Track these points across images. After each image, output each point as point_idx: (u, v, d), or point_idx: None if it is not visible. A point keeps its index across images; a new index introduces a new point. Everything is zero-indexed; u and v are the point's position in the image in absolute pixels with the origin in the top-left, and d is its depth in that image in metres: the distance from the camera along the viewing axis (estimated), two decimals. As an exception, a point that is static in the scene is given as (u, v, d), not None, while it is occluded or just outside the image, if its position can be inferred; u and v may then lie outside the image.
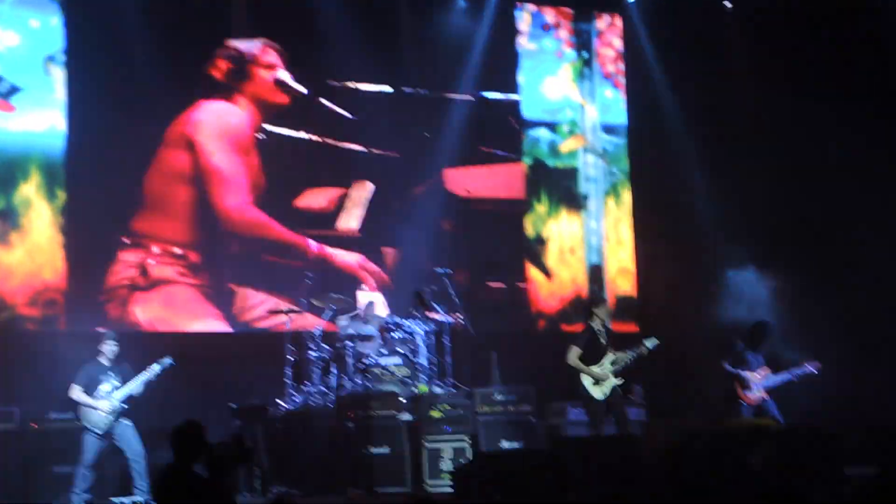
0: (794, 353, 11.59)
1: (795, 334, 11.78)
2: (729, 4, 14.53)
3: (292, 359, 11.25)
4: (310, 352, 11.27)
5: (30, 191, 11.57)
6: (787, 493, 4.08)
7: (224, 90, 12.68)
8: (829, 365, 11.34)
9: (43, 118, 11.71)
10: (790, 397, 11.21)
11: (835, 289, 12.91)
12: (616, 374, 10.22)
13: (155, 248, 12.09)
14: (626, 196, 14.56)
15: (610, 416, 10.26)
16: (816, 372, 11.16)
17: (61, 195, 11.73)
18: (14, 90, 11.64)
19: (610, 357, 10.25)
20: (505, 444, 10.74)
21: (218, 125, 12.65)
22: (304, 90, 13.00)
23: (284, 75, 12.93)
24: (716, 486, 8.21)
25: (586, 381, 10.21)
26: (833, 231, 13.05)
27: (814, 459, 9.01)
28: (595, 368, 10.20)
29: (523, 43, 14.42)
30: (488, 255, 13.58)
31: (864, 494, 4.53)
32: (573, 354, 10.24)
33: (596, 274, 14.19)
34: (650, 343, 10.31)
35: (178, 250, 12.21)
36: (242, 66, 12.77)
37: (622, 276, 14.32)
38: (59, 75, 11.83)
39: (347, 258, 12.99)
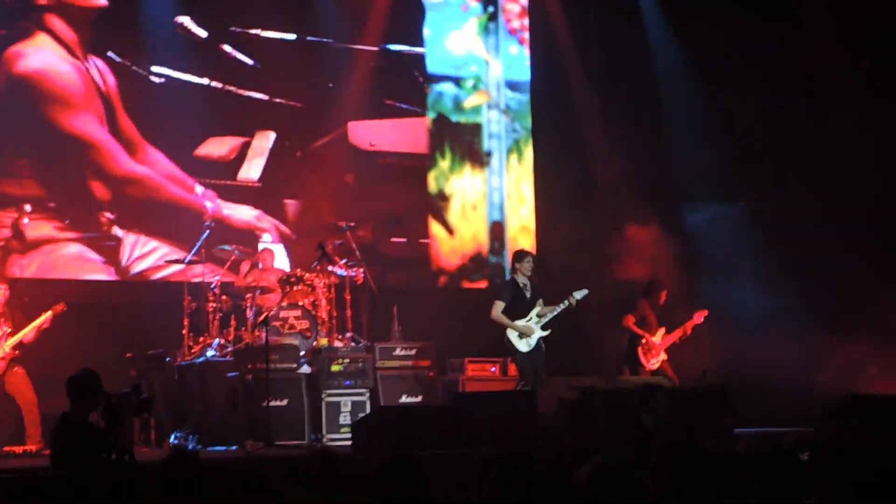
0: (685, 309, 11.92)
1: (691, 294, 12.05)
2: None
3: (190, 309, 11.10)
4: (209, 303, 11.13)
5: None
6: (679, 444, 4.19)
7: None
8: (733, 326, 11.68)
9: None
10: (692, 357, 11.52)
11: (738, 247, 13.15)
12: (543, 327, 10.40)
13: (27, 207, 11.74)
14: (529, 154, 14.64)
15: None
16: (703, 320, 11.48)
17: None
18: None
19: (536, 310, 10.42)
20: (404, 399, 10.82)
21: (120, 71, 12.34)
22: (204, 34, 12.72)
23: (184, 19, 12.64)
24: (611, 442, 8.38)
25: (512, 334, 10.38)
26: (738, 190, 13.28)
27: (705, 417, 9.28)
28: (520, 322, 10.35)
29: (428, -4, 14.33)
30: (391, 209, 13.55)
31: (754, 450, 4.67)
32: (496, 309, 10.40)
33: (497, 231, 14.29)
34: (579, 294, 10.52)
35: (53, 205, 11.87)
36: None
37: (523, 233, 14.43)
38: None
39: (245, 211, 12.83)
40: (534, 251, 14.17)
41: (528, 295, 10.51)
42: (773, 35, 13.05)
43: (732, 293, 12.44)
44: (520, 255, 10.85)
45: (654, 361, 11.53)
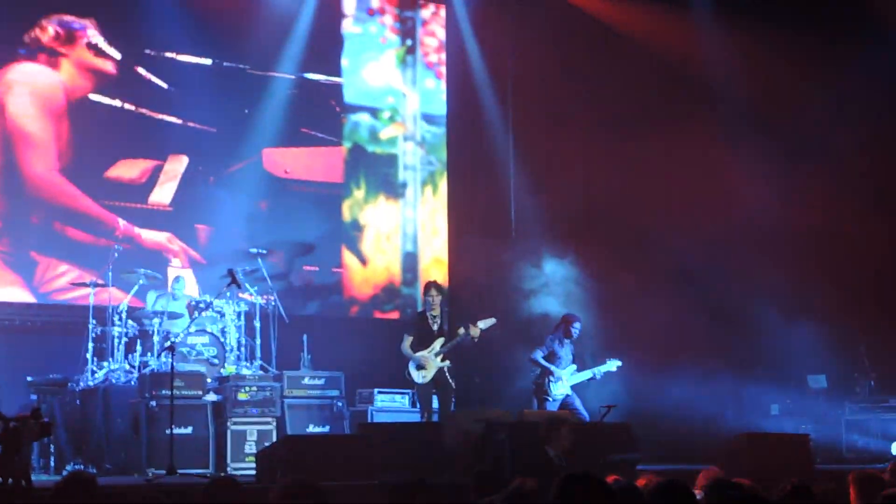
0: (598, 350, 12.04)
1: (602, 331, 12.20)
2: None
3: (95, 333, 10.91)
4: (114, 327, 10.95)
5: None
6: (581, 476, 4.24)
7: (46, 54, 12.17)
8: (635, 364, 11.83)
9: None
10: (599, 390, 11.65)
11: (646, 287, 13.35)
12: (442, 358, 10.46)
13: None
14: (443, 186, 14.75)
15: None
16: (616, 370, 11.59)
17: None
18: None
19: (440, 341, 10.50)
20: (311, 429, 10.77)
21: (30, 87, 12.12)
22: (118, 55, 12.59)
23: (98, 39, 12.50)
24: (514, 473, 8.42)
25: (410, 365, 10.52)
26: (650, 227, 13.50)
27: (608, 452, 9.39)
28: (420, 352, 10.44)
29: (348, 26, 14.39)
30: (304, 237, 13.51)
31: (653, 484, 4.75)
32: (404, 343, 10.62)
33: (410, 262, 14.33)
34: (483, 324, 10.61)
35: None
36: (68, 33, 12.27)
37: (436, 265, 14.50)
38: None
39: (155, 235, 12.68)
40: (446, 283, 14.28)
41: (434, 327, 10.61)
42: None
43: (645, 331, 12.65)
44: (426, 286, 10.96)
45: (560, 394, 11.60)
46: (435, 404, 10.73)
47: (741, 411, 12.40)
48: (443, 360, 10.55)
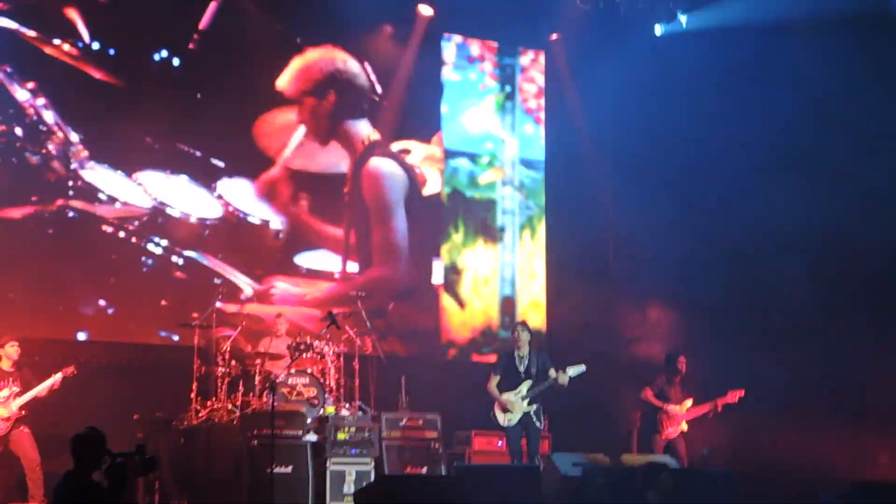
0: (709, 384, 11.86)
1: (711, 367, 12.01)
2: (659, 32, 14.66)
3: (199, 373, 11.15)
4: (217, 367, 11.18)
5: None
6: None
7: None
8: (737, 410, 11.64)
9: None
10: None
11: (754, 328, 13.14)
12: (530, 401, 10.36)
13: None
14: (541, 231, 14.76)
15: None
16: (737, 401, 11.42)
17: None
18: None
19: (527, 384, 10.41)
20: (409, 470, 10.79)
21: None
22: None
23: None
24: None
25: (496, 407, 10.39)
26: (750, 263, 13.30)
27: (709, 497, 9.23)
28: (507, 395, 10.36)
29: (448, 73, 14.58)
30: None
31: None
32: (490, 382, 10.48)
33: (508, 306, 14.35)
34: (573, 371, 10.47)
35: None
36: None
37: (533, 309, 14.49)
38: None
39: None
40: (544, 327, 14.27)
41: (521, 368, 10.50)
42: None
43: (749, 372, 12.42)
44: (515, 325, 10.92)
45: (672, 430, 11.48)
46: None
47: (848, 459, 12.05)
48: (529, 405, 10.44)
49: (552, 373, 10.44)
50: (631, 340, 12.92)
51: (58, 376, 10.20)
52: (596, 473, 9.80)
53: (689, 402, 11.56)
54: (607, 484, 9.55)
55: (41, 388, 10.12)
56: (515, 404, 10.37)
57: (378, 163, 13.86)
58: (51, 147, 12.01)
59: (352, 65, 13.81)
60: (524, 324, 10.98)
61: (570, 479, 10.05)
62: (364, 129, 13.82)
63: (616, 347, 13.11)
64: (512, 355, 10.62)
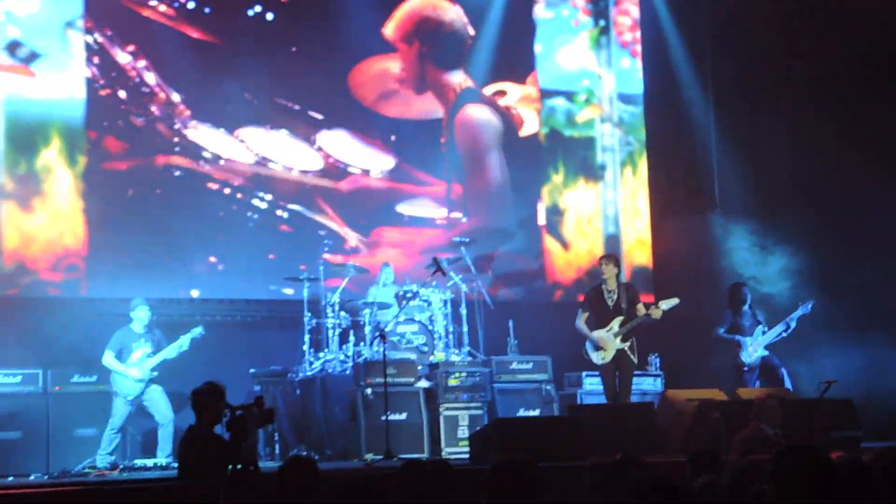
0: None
1: (820, 307, 11.73)
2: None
3: (310, 325, 11.31)
4: (328, 319, 11.33)
5: (50, 156, 11.63)
6: (799, 449, 4.09)
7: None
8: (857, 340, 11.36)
9: (62, 84, 11.75)
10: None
11: (849, 264, 12.85)
12: (623, 338, 10.22)
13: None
14: (643, 166, 14.55)
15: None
16: (809, 311, 11.20)
17: (82, 160, 11.79)
18: (34, 56, 11.68)
19: (618, 320, 10.25)
20: (522, 413, 10.82)
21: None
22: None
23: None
24: (730, 452, 8.27)
25: (588, 345, 10.28)
26: (851, 203, 12.96)
27: (828, 429, 9.08)
28: (598, 332, 10.22)
29: (540, 11, 14.38)
30: (505, 224, 13.60)
31: (883, 460, 4.55)
32: (578, 319, 10.33)
33: (612, 244, 14.21)
34: (666, 304, 10.30)
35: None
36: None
37: (638, 246, 14.34)
38: (78, 41, 11.86)
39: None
40: (650, 264, 14.11)
41: (610, 303, 10.29)
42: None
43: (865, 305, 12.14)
44: (601, 258, 10.68)
45: (750, 354, 11.29)
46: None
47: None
48: (623, 341, 10.24)
49: (641, 308, 10.27)
50: (740, 276, 12.64)
51: (186, 337, 10.43)
52: (711, 408, 9.70)
53: (760, 329, 11.35)
54: (722, 417, 9.45)
55: (172, 349, 10.38)
56: (608, 341, 10.20)
57: (471, 110, 13.79)
58: (154, 108, 12.21)
59: (447, 10, 13.70)
60: (610, 256, 10.75)
61: (685, 414, 9.97)
62: (456, 77, 13.73)
63: (725, 282, 12.86)
64: (599, 290, 10.39)
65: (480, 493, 4.18)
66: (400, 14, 13.41)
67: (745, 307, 11.45)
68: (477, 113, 13.85)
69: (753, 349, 11.25)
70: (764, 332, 11.29)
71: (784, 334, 11.28)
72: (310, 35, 12.79)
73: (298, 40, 12.84)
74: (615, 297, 10.31)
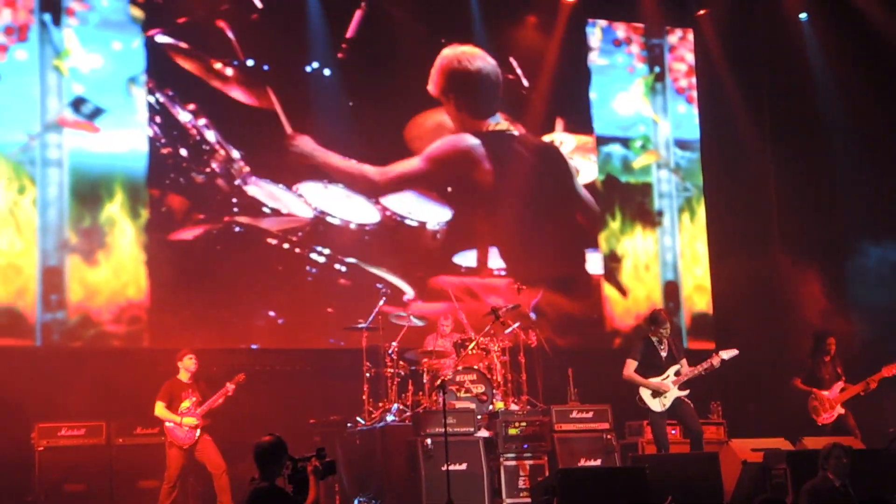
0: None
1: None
2: (804, 16, 14.38)
3: (369, 375, 11.33)
4: (386, 368, 11.34)
5: (114, 210, 11.85)
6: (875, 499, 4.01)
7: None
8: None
9: (125, 139, 11.98)
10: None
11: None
12: (680, 386, 10.17)
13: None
14: (701, 212, 14.47)
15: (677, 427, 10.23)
16: (893, 375, 10.98)
17: (144, 214, 11.98)
18: (98, 112, 11.94)
19: (674, 368, 10.22)
20: (583, 462, 10.71)
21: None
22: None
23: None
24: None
25: (644, 393, 10.23)
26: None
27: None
28: (655, 380, 10.18)
29: (594, 58, 14.43)
30: (562, 271, 13.58)
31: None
32: (629, 367, 10.28)
33: (671, 291, 14.12)
34: (726, 354, 10.23)
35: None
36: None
37: (698, 293, 14.23)
38: (140, 96, 12.11)
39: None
40: (710, 310, 13.99)
41: (663, 354, 10.30)
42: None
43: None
44: (653, 317, 10.55)
45: (827, 416, 11.11)
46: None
47: None
48: (681, 389, 10.21)
49: (685, 364, 10.22)
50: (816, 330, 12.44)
51: (230, 386, 10.51)
52: (777, 458, 9.54)
53: (839, 385, 11.14)
54: (789, 467, 9.29)
55: (216, 397, 10.46)
56: (668, 387, 10.18)
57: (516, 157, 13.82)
58: (214, 165, 12.41)
59: (473, 59, 13.72)
60: (667, 311, 10.78)
61: (751, 464, 9.82)
62: (500, 125, 13.80)
63: (785, 328, 12.73)
64: (650, 341, 10.39)
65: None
66: (434, 70, 13.51)
67: (829, 360, 11.28)
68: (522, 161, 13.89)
69: (833, 405, 11.08)
70: (841, 390, 11.11)
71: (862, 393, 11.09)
72: (366, 89, 12.95)
73: (354, 94, 12.99)
74: (667, 348, 10.31)
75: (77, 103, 11.87)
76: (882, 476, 9.09)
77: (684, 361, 10.33)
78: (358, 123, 12.91)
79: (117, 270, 11.78)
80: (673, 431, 11.18)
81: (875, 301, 12.63)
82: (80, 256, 11.69)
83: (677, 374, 10.20)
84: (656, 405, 10.20)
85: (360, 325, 11.54)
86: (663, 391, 10.16)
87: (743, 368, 11.37)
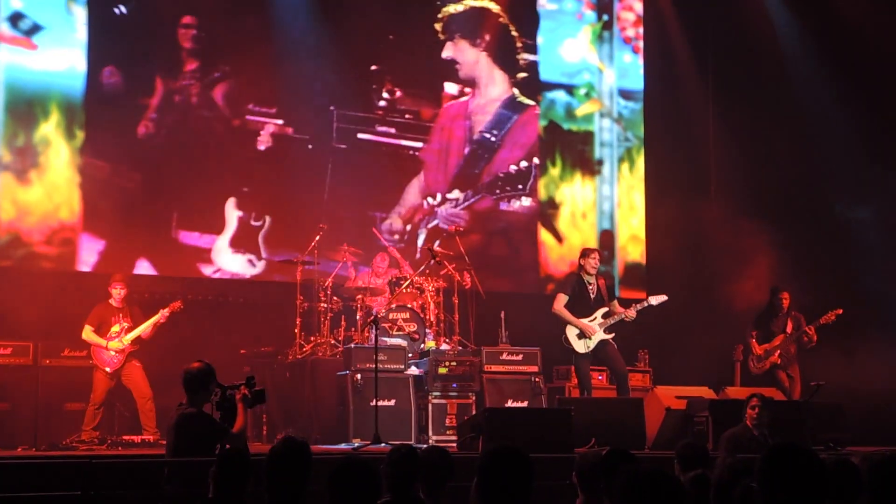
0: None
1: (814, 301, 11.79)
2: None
3: (302, 309, 11.31)
4: (320, 303, 11.33)
5: (49, 129, 11.61)
6: (787, 447, 4.09)
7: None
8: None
9: (63, 57, 11.73)
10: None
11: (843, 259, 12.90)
12: (606, 329, 10.28)
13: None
14: (640, 162, 14.56)
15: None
16: (834, 318, 11.17)
17: (80, 135, 11.77)
18: (36, 28, 11.64)
19: (602, 310, 10.32)
20: (510, 403, 10.84)
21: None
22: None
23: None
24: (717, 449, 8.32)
25: (571, 332, 10.31)
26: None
27: (817, 431, 9.14)
28: (583, 321, 10.27)
29: (544, 3, 14.37)
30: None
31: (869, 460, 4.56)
32: (558, 301, 10.34)
33: (607, 240, 14.23)
34: (655, 300, 10.39)
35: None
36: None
37: (632, 242, 14.37)
38: (80, 15, 11.83)
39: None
40: (643, 260, 14.14)
41: (592, 294, 10.39)
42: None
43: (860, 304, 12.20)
44: (585, 251, 10.71)
45: (760, 366, 11.40)
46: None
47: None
48: (607, 332, 10.32)
49: (616, 306, 10.34)
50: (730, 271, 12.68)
51: (163, 312, 10.46)
52: (700, 406, 9.74)
53: (781, 337, 11.39)
54: (711, 415, 9.50)
55: (148, 324, 10.41)
56: (594, 329, 10.27)
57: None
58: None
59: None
60: (596, 249, 10.86)
61: (675, 411, 10.02)
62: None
63: (715, 281, 12.90)
64: (581, 280, 10.46)
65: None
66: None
67: (782, 315, 11.50)
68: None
69: (766, 357, 11.34)
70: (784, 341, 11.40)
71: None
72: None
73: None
74: (595, 288, 10.37)
75: (14, 18, 11.56)
76: (801, 426, 9.33)
77: (615, 303, 10.43)
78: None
79: (50, 191, 11.57)
80: (600, 377, 11.36)
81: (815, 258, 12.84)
82: (13, 175, 11.46)
83: (605, 316, 10.31)
84: (581, 346, 10.32)
85: (295, 259, 11.51)
86: (589, 334, 10.27)
87: (672, 318, 11.56)
